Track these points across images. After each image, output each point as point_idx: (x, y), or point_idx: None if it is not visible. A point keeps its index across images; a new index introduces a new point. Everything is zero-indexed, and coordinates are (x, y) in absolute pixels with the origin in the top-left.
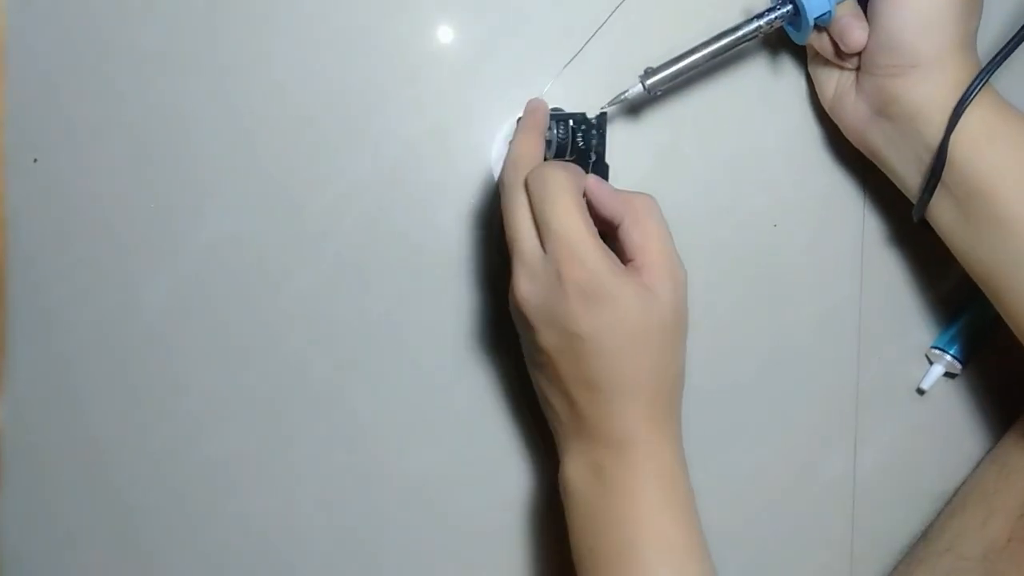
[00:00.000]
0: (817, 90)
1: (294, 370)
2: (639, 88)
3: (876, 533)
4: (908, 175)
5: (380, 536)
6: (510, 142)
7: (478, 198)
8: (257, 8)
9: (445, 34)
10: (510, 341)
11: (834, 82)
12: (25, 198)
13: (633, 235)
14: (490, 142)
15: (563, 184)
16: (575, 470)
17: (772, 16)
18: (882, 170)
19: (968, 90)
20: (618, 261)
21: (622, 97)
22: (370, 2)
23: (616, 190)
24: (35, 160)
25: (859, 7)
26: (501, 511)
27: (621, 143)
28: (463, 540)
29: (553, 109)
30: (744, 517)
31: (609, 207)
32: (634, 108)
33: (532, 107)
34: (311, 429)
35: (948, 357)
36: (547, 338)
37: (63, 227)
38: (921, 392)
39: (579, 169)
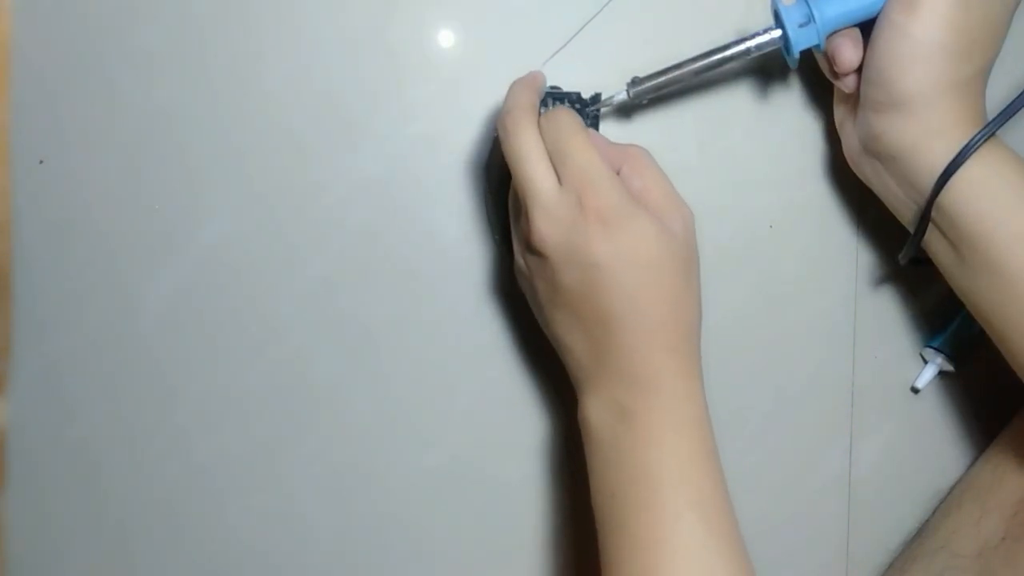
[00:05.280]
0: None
1: (294, 372)
2: (623, 95)
3: (872, 531)
4: (897, 210)
5: (382, 534)
6: (506, 97)
7: (475, 197)
8: (255, 13)
9: (445, 38)
10: (510, 337)
11: (842, 103)
12: (30, 199)
13: (633, 182)
14: (486, 144)
15: (579, 123)
16: (596, 411)
17: (761, 40)
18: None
19: (955, 159)
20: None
21: (608, 102)
22: (366, 7)
23: (611, 141)
24: (40, 161)
25: (858, 31)
26: (505, 507)
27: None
28: (466, 539)
29: (551, 87)
30: (740, 515)
31: (607, 155)
32: (629, 110)
33: (530, 74)
34: (312, 430)
35: (942, 356)
36: (566, 275)
37: (68, 228)
38: (916, 391)
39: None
